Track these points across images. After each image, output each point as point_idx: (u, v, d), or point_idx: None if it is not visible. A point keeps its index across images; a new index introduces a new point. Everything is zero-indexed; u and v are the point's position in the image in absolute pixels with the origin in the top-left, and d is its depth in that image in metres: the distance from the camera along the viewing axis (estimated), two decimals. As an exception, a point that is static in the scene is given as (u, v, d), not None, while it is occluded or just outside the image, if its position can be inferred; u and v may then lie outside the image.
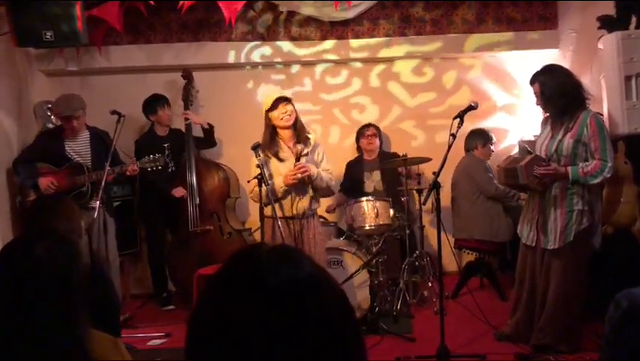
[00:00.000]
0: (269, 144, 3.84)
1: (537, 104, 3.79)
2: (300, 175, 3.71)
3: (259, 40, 5.76)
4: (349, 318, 0.84)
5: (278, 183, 3.79)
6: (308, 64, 5.94)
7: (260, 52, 5.78)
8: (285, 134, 3.87)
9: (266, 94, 4.15)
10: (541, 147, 3.70)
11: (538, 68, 3.83)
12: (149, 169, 4.62)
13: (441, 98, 5.98)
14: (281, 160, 3.83)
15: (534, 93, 3.77)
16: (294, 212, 3.82)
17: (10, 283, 1.44)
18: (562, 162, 3.57)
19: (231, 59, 5.76)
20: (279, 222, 3.70)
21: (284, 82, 5.96)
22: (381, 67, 6.02)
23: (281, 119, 3.77)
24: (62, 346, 1.39)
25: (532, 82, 3.77)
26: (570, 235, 3.54)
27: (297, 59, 5.85)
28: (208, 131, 5.37)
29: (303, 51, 5.80)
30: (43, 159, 4.66)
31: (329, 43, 5.79)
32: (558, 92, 3.62)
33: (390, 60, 5.96)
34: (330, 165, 4.00)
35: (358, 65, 6.00)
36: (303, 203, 3.83)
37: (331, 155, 4.15)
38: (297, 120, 3.84)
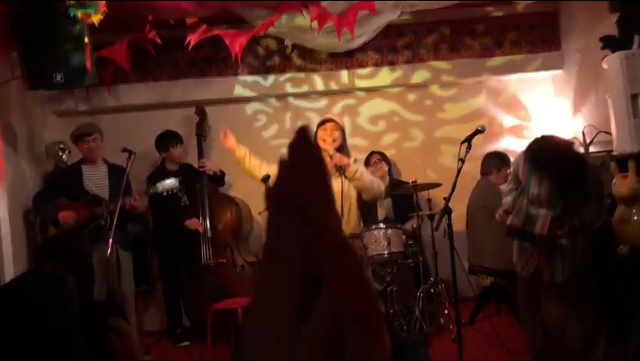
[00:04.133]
0: None
1: None
2: (338, 163, 3.72)
3: (265, 74, 5.84)
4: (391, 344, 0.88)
5: None
6: (315, 94, 6.02)
7: (269, 86, 5.87)
8: (326, 158, 3.90)
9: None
10: None
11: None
12: (164, 194, 4.66)
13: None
14: None
15: None
16: None
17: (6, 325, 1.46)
18: None
19: (238, 93, 5.84)
20: None
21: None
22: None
23: (324, 140, 3.82)
24: None
25: None
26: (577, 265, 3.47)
27: (302, 91, 5.92)
28: (220, 177, 5.50)
29: (307, 83, 5.89)
30: (61, 193, 4.71)
31: (335, 74, 5.88)
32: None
33: (395, 86, 6.02)
34: (374, 179, 3.98)
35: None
36: None
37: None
38: (341, 147, 3.85)
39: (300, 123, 5.93)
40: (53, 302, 1.51)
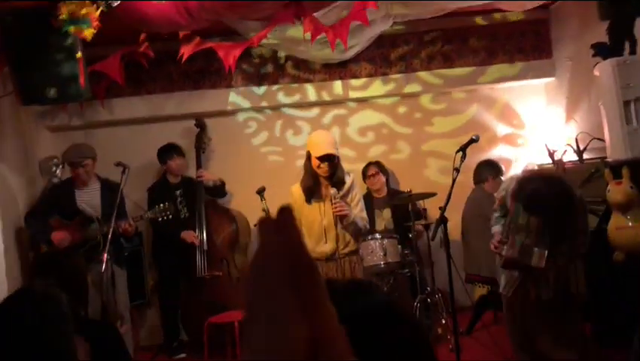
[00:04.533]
0: (306, 185, 3.92)
1: None
2: (337, 213, 3.76)
3: (259, 86, 5.85)
4: (423, 349, 0.89)
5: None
6: (309, 105, 6.03)
7: (262, 96, 5.87)
8: (322, 179, 3.93)
9: (316, 134, 4.20)
10: None
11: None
12: (159, 219, 4.64)
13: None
14: (309, 203, 3.90)
15: None
16: (321, 253, 3.84)
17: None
18: None
19: (232, 101, 5.84)
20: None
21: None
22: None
23: (320, 168, 3.85)
24: None
25: None
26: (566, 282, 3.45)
27: (296, 102, 5.93)
28: (220, 186, 5.48)
29: (301, 94, 5.90)
30: (54, 211, 4.68)
31: (329, 84, 5.89)
32: None
33: (388, 97, 6.03)
34: (363, 210, 4.06)
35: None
36: (328, 245, 3.86)
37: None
38: (336, 170, 3.89)
39: (290, 131, 5.97)
40: (47, 323, 1.50)
